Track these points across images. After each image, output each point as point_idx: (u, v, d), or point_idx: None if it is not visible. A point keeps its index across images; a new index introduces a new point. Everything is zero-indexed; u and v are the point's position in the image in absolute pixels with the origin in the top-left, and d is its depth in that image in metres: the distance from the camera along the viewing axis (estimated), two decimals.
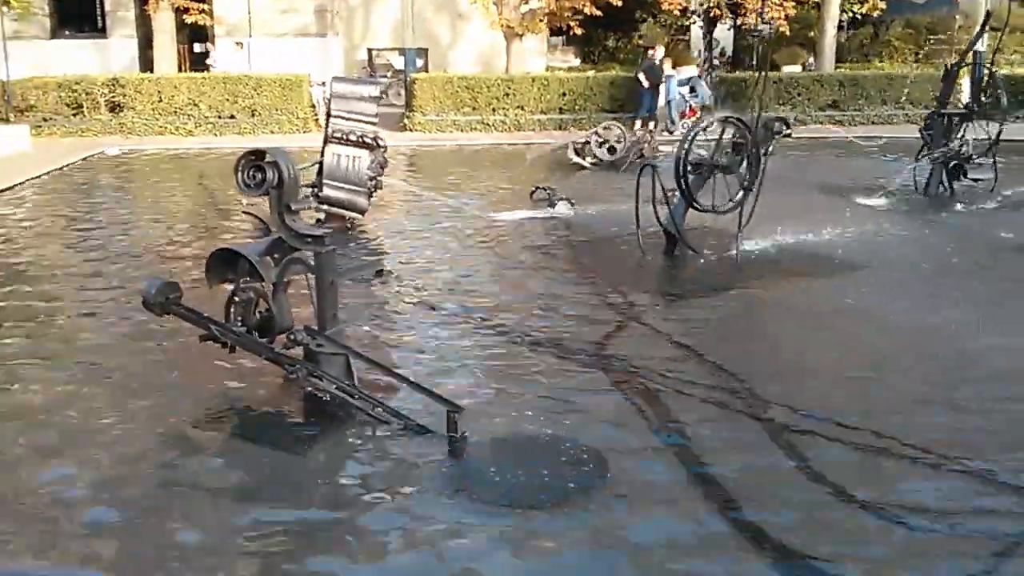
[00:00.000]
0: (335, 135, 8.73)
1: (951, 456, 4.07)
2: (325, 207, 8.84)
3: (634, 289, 7.15)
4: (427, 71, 25.22)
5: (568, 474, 3.98)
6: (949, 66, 11.80)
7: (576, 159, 14.22)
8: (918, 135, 11.53)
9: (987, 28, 13.12)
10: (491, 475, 3.94)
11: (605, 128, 14.57)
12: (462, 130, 20.04)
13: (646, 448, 4.26)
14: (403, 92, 23.00)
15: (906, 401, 4.82)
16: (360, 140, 8.72)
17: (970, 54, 11.92)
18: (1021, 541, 3.47)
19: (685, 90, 20.29)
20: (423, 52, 28.93)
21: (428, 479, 3.92)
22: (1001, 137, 11.36)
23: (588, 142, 14.37)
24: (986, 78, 11.68)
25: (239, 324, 4.65)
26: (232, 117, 19.55)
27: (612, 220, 9.61)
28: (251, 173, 4.60)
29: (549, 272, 7.87)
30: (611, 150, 14.05)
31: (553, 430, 4.40)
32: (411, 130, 19.98)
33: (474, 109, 20.28)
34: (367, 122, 8.77)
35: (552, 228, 9.69)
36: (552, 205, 10.32)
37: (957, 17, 27.97)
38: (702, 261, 7.98)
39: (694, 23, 36.28)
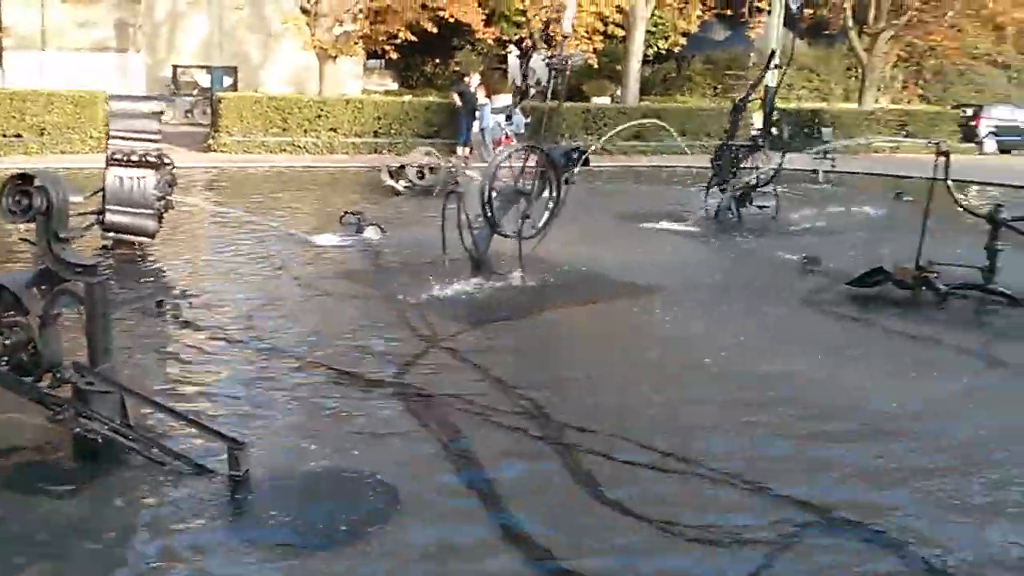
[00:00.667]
0: (115, 156, 8.21)
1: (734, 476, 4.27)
2: (112, 234, 8.31)
3: (439, 315, 7.12)
4: (236, 90, 24.44)
5: (360, 510, 3.86)
6: (737, 101, 12.65)
7: (390, 183, 14.15)
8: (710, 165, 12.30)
9: (772, 66, 14.17)
10: (277, 514, 3.77)
11: (420, 153, 14.62)
12: (272, 152, 19.52)
13: (443, 481, 4.20)
14: (209, 111, 22.17)
15: (696, 420, 5.02)
16: (143, 160, 8.26)
17: (761, 90, 12.83)
18: (769, 542, 3.66)
19: (501, 118, 20.69)
20: (232, 71, 28.04)
21: (208, 520, 3.70)
22: (782, 167, 12.27)
23: (403, 166, 14.34)
24: (774, 112, 12.61)
25: (2, 361, 4.25)
26: (18, 136, 18.12)
27: (421, 246, 9.59)
28: (16, 198, 4.25)
29: (353, 299, 7.73)
30: (424, 175, 14.07)
31: (346, 464, 4.28)
32: (217, 151, 19.24)
33: (284, 131, 19.82)
34: (149, 140, 8.33)
35: (360, 254, 9.55)
36: (360, 231, 10.19)
37: (752, 55, 30.08)
38: (507, 286, 8.08)
39: (511, 52, 37.28)
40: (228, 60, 28.20)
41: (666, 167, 20.45)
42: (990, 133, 29.09)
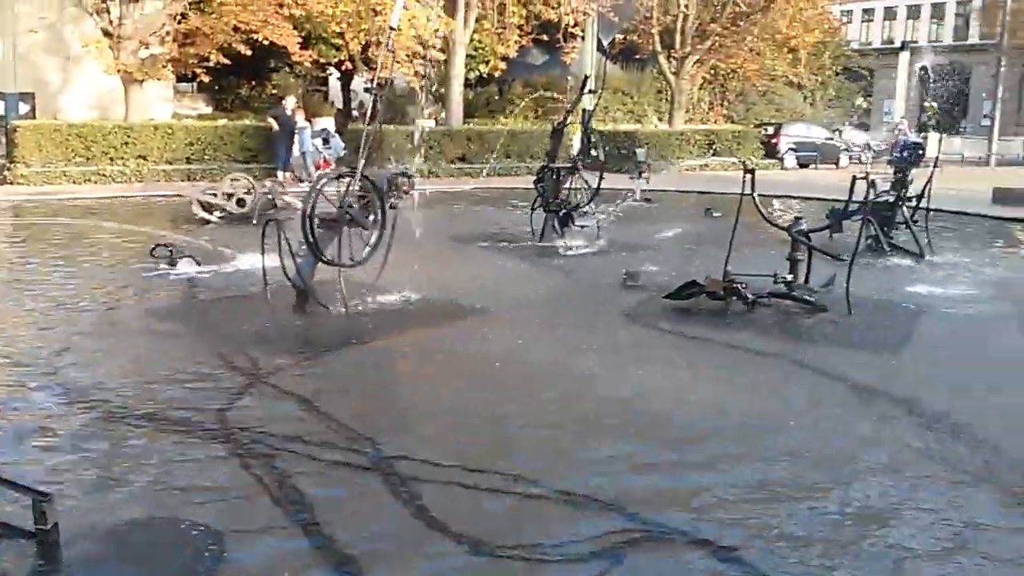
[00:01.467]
0: None
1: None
2: None
3: (262, 349, 6.82)
4: (34, 117, 22.80)
5: (178, 562, 3.60)
6: (556, 124, 12.95)
7: (202, 213, 13.51)
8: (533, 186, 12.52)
9: (587, 90, 14.61)
10: (88, 571, 3.46)
11: (233, 180, 14.06)
12: (76, 182, 18.32)
13: (266, 523, 3.98)
14: (3, 141, 20.56)
15: (527, 443, 5.03)
16: None
17: (580, 113, 13.18)
18: (593, 557, 3.69)
19: (319, 142, 20.32)
20: (29, 96, 26.12)
21: None
22: (601, 187, 12.65)
23: (215, 194, 13.75)
24: (591, 135, 12.98)
25: None
26: None
27: (240, 277, 9.21)
28: None
29: (168, 337, 7.30)
30: (240, 202, 13.56)
31: (163, 513, 3.99)
32: (13, 183, 17.85)
33: (88, 159, 18.67)
34: None
35: (174, 288, 9.06)
36: (173, 264, 9.66)
37: (569, 79, 30.99)
38: (333, 315, 7.87)
39: (331, 75, 36.73)
40: (24, 85, 26.24)
41: (493, 188, 20.71)
42: (789, 149, 31.28)
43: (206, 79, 23.25)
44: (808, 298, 8.31)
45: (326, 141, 20.38)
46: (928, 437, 5.18)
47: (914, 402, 5.76)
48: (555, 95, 32.47)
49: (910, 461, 4.77)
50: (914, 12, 51.21)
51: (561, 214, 12.25)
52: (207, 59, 21.94)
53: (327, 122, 24.06)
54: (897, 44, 42.97)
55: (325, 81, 39.28)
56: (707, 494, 4.30)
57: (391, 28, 8.53)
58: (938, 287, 9.69)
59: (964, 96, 47.49)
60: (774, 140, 31.15)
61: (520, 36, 28.99)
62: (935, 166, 12.49)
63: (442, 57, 26.09)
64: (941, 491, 4.39)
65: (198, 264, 9.73)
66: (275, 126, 19.81)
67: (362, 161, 8.05)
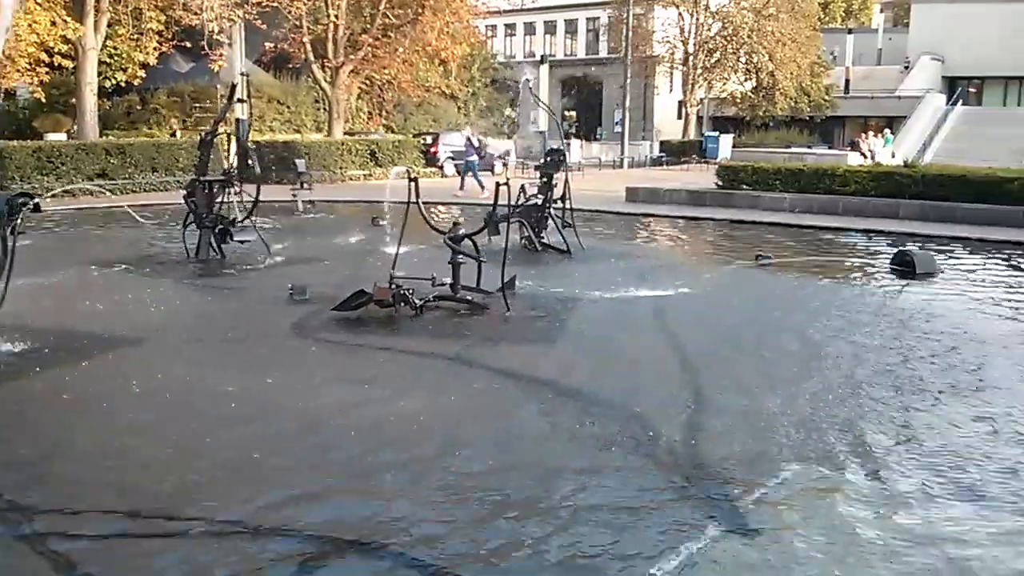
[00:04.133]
0: None
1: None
2: None
3: None
4: None
5: None
6: (204, 135, 12.19)
7: None
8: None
9: (236, 99, 13.93)
10: None
11: None
12: None
13: None
14: None
15: (181, 477, 4.59)
16: None
17: (234, 123, 12.49)
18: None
19: None
20: None
21: None
22: (260, 200, 12.12)
23: None
24: (248, 146, 12.35)
25: None
26: None
27: None
28: None
29: None
30: None
31: None
32: None
33: None
34: None
35: None
36: None
37: (219, 87, 29.58)
38: None
39: None
40: None
41: (139, 206, 19.18)
42: (448, 158, 32.35)
43: None
44: (471, 299, 8.56)
45: None
46: (575, 410, 5.65)
47: (564, 383, 6.25)
48: (204, 104, 30.98)
49: (563, 435, 5.15)
50: (551, 28, 55.36)
51: (217, 230, 11.56)
52: None
53: None
54: (538, 57, 46.10)
55: None
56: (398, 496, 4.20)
57: None
58: (585, 280, 10.43)
59: (599, 105, 52.17)
60: (433, 149, 32.06)
61: (160, 42, 27.20)
62: (577, 170, 13.48)
63: (70, 64, 23.76)
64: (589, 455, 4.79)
65: None
66: None
67: None
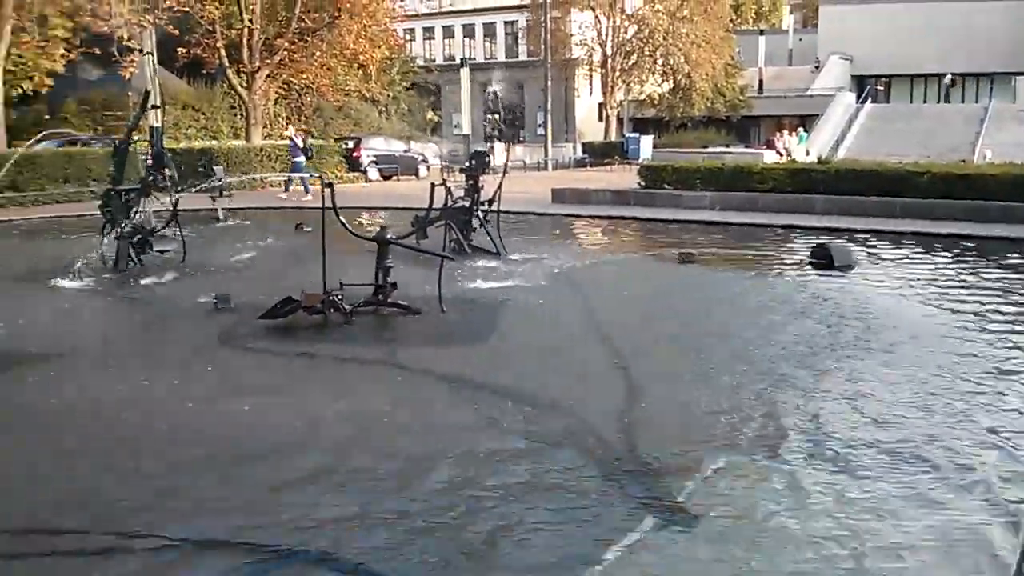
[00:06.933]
0: None
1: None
2: None
3: None
4: None
5: None
6: (118, 143, 11.86)
7: None
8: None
9: (150, 106, 13.58)
10: None
11: None
12: None
13: None
14: None
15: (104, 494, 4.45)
16: None
17: (148, 131, 12.18)
18: None
19: None
20: None
21: None
22: (179, 208, 11.85)
23: None
24: (165, 154, 12.07)
25: None
26: None
27: None
28: None
29: None
30: None
31: None
32: None
33: None
34: None
35: None
36: None
37: (131, 94, 28.76)
38: None
39: None
40: None
41: (53, 217, 18.55)
42: (371, 162, 32.09)
43: None
44: (402, 303, 8.51)
45: None
46: (507, 408, 5.67)
47: (494, 383, 6.28)
48: (116, 112, 30.09)
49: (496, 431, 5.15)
50: (470, 31, 55.32)
51: (136, 240, 11.25)
52: None
53: None
54: (458, 61, 46.06)
55: None
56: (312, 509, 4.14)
57: None
58: (513, 280, 10.46)
59: (521, 108, 52.41)
60: (355, 154, 31.75)
61: (68, 50, 26.33)
62: (504, 172, 13.49)
63: None
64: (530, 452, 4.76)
65: None
66: None
67: None
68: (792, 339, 7.55)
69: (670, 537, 3.95)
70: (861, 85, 51.66)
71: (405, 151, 34.98)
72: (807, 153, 33.03)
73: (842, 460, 4.78)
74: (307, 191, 22.68)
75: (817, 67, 53.45)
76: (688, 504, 4.24)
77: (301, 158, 24.03)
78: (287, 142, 25.74)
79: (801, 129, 39.76)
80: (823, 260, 11.49)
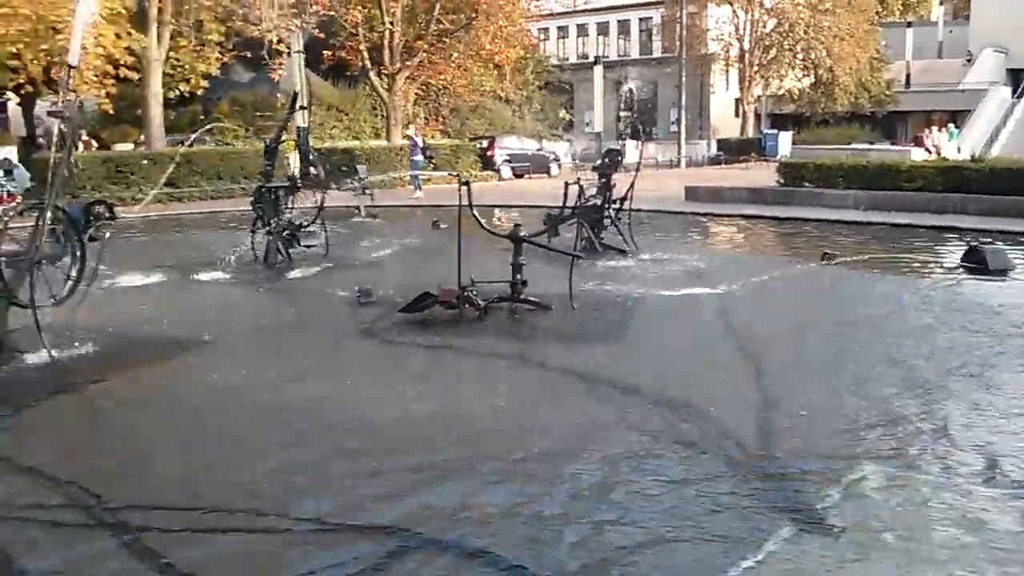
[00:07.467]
0: None
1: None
2: None
3: None
4: None
5: None
6: (268, 142, 12.46)
7: None
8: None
9: (297, 107, 14.21)
10: None
11: None
12: None
13: None
14: None
15: (276, 477, 4.71)
16: None
17: (295, 131, 12.76)
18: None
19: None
20: None
21: None
22: (325, 205, 12.36)
23: None
24: (310, 152, 12.63)
25: None
26: None
27: None
28: None
29: None
30: None
31: None
32: None
33: None
34: None
35: None
36: None
37: (279, 95, 30.11)
38: (36, 363, 6.98)
39: (9, 100, 33.13)
40: None
41: (207, 213, 19.66)
42: (504, 161, 32.49)
43: None
44: (535, 300, 8.61)
45: (8, 172, 18.30)
46: (650, 414, 5.55)
47: (629, 382, 6.20)
48: (265, 113, 31.54)
49: (635, 436, 5.07)
50: (603, 28, 55.14)
51: (285, 235, 11.81)
52: None
53: (8, 152, 21.68)
54: (591, 59, 45.96)
55: (4, 107, 35.51)
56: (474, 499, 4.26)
57: (70, 66, 7.66)
58: (644, 278, 10.40)
59: (654, 105, 51.85)
60: (489, 153, 32.23)
61: (222, 53, 27.80)
62: (637, 170, 13.42)
63: (135, 76, 24.39)
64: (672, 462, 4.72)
65: None
66: None
67: (52, 192, 7.25)
68: (947, 345, 7.20)
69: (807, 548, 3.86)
70: (1017, 79, 48.39)
71: (537, 150, 35.24)
72: (958, 151, 31.34)
73: (1016, 483, 4.47)
74: (419, 189, 23.15)
75: (969, 60, 50.47)
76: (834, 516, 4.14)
77: (419, 156, 24.54)
78: (407, 141, 26.34)
79: (952, 125, 37.73)
80: (977, 264, 10.90)
